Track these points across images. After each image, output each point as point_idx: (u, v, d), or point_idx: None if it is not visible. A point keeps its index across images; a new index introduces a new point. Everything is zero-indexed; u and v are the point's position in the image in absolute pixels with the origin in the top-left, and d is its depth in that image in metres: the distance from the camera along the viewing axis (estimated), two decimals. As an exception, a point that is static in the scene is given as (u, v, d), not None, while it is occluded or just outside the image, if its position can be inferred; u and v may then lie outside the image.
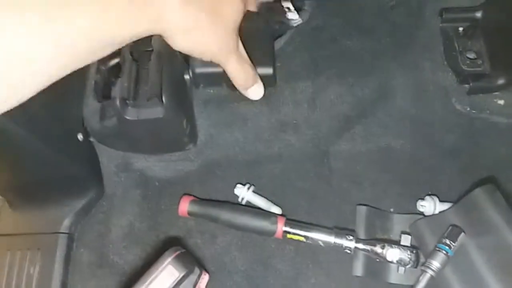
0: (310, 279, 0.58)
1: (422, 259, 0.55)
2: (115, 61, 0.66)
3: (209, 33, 0.45)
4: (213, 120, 0.68)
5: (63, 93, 0.60)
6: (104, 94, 0.64)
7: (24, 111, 0.49)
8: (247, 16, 0.64)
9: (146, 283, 0.49)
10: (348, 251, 0.56)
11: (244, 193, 0.62)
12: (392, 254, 0.54)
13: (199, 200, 0.62)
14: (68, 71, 0.35)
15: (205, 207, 0.61)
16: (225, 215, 0.59)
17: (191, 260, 0.52)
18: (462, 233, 0.53)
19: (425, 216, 0.59)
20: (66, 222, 0.62)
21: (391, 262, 0.55)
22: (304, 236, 0.57)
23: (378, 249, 0.55)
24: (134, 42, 0.61)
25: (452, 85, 0.69)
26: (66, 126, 0.60)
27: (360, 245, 0.56)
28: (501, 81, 0.67)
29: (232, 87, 0.58)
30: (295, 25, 0.73)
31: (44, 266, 0.59)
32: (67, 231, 0.62)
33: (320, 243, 0.57)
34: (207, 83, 0.67)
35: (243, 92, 0.56)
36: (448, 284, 0.53)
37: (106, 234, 0.62)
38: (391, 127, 0.66)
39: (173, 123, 0.60)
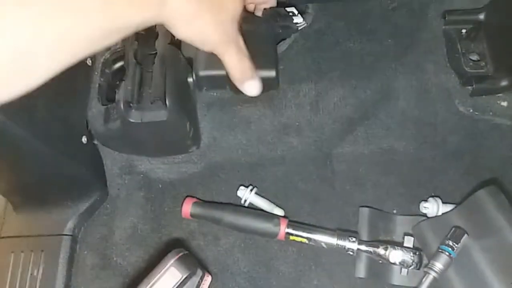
0: (313, 281, 0.58)
1: (425, 261, 0.55)
2: (119, 64, 0.67)
3: (211, 23, 0.45)
4: (216, 122, 0.68)
5: (68, 96, 0.60)
6: (108, 97, 0.64)
7: (29, 114, 0.50)
8: (251, 20, 0.65)
9: (149, 285, 0.49)
10: (351, 253, 0.56)
11: (247, 195, 0.62)
12: (395, 255, 0.54)
13: (202, 202, 0.62)
14: (73, 60, 0.35)
15: (208, 209, 0.61)
16: (228, 217, 0.59)
17: (193, 262, 0.52)
18: (465, 235, 0.53)
19: (428, 217, 0.59)
20: (70, 224, 0.62)
21: (394, 263, 0.54)
22: (307, 238, 0.57)
23: (381, 250, 0.55)
24: (138, 45, 0.63)
25: (455, 87, 0.69)
26: (71, 128, 0.61)
27: (363, 247, 0.56)
28: (504, 83, 0.67)
29: (235, 89, 0.58)
30: (299, 28, 0.73)
31: (47, 268, 0.59)
32: (70, 233, 0.62)
33: (323, 244, 0.57)
34: (210, 86, 0.68)
35: (239, 86, 0.56)
36: (451, 285, 0.53)
37: (110, 236, 0.63)
38: (394, 129, 0.66)
39: (176, 125, 0.61)
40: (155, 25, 0.64)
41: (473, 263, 0.52)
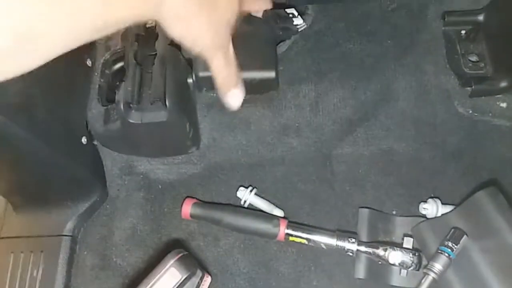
0: (312, 282, 0.58)
1: (424, 262, 0.55)
2: (119, 65, 0.67)
3: (205, 24, 0.46)
4: (216, 123, 0.68)
5: (68, 97, 0.61)
6: (108, 97, 0.64)
7: (29, 115, 0.50)
8: (251, 21, 0.65)
9: (149, 285, 0.49)
10: (350, 254, 0.56)
11: (246, 195, 0.62)
12: (394, 256, 0.54)
13: (202, 203, 0.62)
14: (68, 47, 0.36)
15: (208, 210, 0.61)
16: (228, 217, 0.59)
17: (193, 263, 0.52)
18: (465, 236, 0.53)
19: (427, 218, 0.59)
20: (70, 225, 0.62)
21: (393, 264, 0.55)
22: (306, 239, 0.57)
23: (380, 251, 0.55)
24: (138, 46, 0.63)
25: (455, 88, 0.69)
26: (71, 129, 0.61)
27: (362, 248, 0.56)
28: (503, 84, 0.67)
29: None
30: (300, 30, 0.73)
31: (47, 268, 0.59)
32: (70, 234, 0.62)
33: (322, 245, 0.57)
34: (210, 86, 0.68)
35: (222, 95, 0.56)
36: (451, 286, 0.53)
37: (109, 236, 0.63)
38: (393, 130, 0.66)
39: (176, 126, 0.61)
40: (155, 26, 0.64)
41: (473, 264, 0.52)
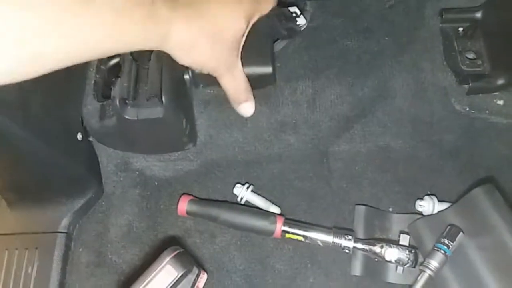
0: (309, 279, 0.58)
1: (420, 259, 0.55)
2: (115, 60, 0.66)
3: (208, 52, 0.50)
4: (212, 120, 0.68)
5: (63, 93, 0.60)
6: (104, 93, 0.64)
7: (23, 111, 0.50)
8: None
9: (145, 283, 0.49)
10: (347, 251, 0.56)
11: (243, 192, 0.62)
12: (391, 253, 0.54)
13: (198, 200, 0.62)
14: (74, 63, 0.39)
15: (204, 207, 0.61)
16: (224, 214, 0.59)
17: (189, 260, 0.52)
18: (461, 233, 0.53)
19: (423, 215, 0.59)
20: (65, 222, 0.62)
21: (390, 261, 0.54)
22: (303, 236, 0.57)
23: (376, 248, 0.55)
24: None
25: (452, 85, 0.69)
26: (66, 125, 0.60)
27: (359, 245, 0.56)
28: (500, 81, 0.67)
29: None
30: (302, 29, 0.73)
31: (42, 265, 0.59)
32: (65, 231, 0.62)
33: (319, 242, 0.57)
34: (207, 83, 0.67)
35: (235, 107, 0.61)
36: (447, 283, 0.53)
37: (105, 233, 0.62)
38: (390, 127, 0.66)
39: (172, 123, 0.61)
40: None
41: (469, 261, 0.52)
